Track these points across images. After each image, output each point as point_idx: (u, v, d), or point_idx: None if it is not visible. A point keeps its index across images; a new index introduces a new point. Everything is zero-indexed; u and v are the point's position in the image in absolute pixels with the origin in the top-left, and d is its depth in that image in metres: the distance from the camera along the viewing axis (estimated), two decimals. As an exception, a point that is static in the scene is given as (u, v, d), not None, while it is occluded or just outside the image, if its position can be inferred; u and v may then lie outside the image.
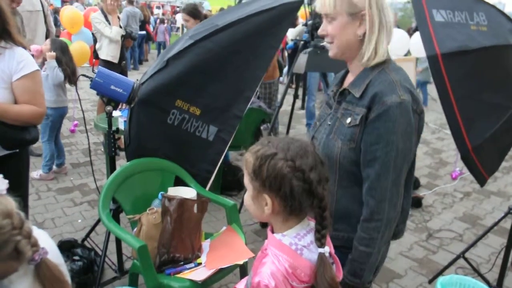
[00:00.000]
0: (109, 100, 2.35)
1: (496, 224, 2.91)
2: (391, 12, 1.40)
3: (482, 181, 2.80)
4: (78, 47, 5.54)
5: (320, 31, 1.47)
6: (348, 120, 1.40)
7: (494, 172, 2.91)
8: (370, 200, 1.37)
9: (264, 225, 3.77)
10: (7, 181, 1.22)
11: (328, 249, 1.13)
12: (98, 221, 2.91)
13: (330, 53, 1.48)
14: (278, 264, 1.12)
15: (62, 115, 4.23)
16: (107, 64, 4.82)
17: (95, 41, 5.18)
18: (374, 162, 1.34)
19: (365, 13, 1.35)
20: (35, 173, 4.24)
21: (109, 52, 5.01)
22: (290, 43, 3.98)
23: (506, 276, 2.92)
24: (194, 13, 4.23)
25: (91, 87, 2.29)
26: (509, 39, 2.44)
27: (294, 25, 6.68)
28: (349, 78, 1.50)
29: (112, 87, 2.30)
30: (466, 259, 2.97)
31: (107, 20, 5.00)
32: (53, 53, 3.95)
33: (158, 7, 20.77)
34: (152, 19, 13.48)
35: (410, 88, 1.38)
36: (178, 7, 19.07)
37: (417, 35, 5.28)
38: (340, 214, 1.44)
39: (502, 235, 3.58)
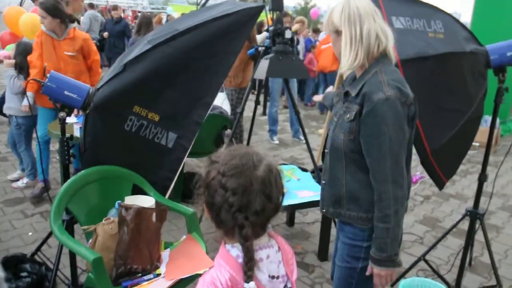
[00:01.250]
0: (62, 106, 2.24)
1: (454, 226, 2.97)
2: (366, 25, 1.61)
3: (440, 184, 2.86)
4: None
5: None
6: (347, 115, 1.65)
7: (452, 175, 2.98)
8: (374, 183, 1.61)
9: None
10: None
11: (253, 285, 1.03)
12: (51, 233, 2.77)
13: (341, 70, 1.74)
14: (219, 274, 1.06)
15: (33, 123, 3.93)
16: None
17: None
18: (372, 151, 1.59)
19: (341, 29, 1.64)
20: (19, 182, 4.10)
21: None
22: (251, 49, 3.94)
23: (464, 276, 2.99)
24: (52, 10, 3.57)
25: (42, 92, 2.18)
26: (465, 46, 2.51)
27: (260, 31, 6.69)
28: None
29: (66, 92, 2.19)
30: (426, 262, 3.02)
31: None
32: (12, 61, 3.73)
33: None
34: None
35: (398, 85, 1.58)
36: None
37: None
38: (349, 196, 1.71)
39: (460, 236, 3.67)
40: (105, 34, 8.98)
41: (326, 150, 1.80)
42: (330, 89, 2.46)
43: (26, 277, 2.43)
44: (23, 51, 3.81)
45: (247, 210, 1.04)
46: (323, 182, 1.84)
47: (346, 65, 1.65)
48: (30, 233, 3.33)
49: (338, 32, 1.66)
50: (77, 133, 2.95)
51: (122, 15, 18.37)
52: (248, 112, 4.17)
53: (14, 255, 2.59)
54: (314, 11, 13.42)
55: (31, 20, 4.76)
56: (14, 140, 4.14)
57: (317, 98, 2.44)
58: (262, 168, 1.06)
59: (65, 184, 2.21)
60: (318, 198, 3.04)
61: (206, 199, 1.09)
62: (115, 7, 10.04)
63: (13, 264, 2.49)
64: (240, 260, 1.06)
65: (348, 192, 1.70)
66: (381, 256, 1.61)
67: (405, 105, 1.57)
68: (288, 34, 3.09)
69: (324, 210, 1.86)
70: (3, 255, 2.57)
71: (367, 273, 1.70)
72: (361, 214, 1.69)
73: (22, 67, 3.77)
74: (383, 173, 1.57)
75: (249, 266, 1.04)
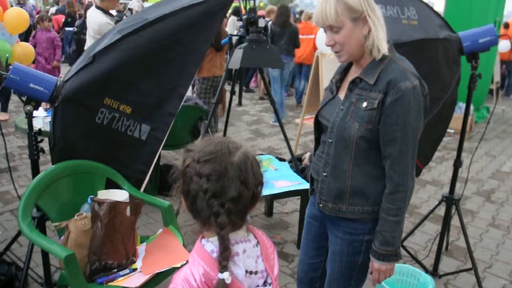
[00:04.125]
0: (28, 99, 2.15)
1: (431, 212, 3.01)
2: (378, 8, 1.55)
3: (417, 171, 2.88)
4: (20, 50, 5.23)
5: (327, 43, 1.59)
6: (364, 104, 1.55)
7: (428, 162, 3.01)
8: (393, 174, 1.54)
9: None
10: None
11: (227, 275, 1.00)
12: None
13: (340, 60, 1.63)
14: (194, 269, 1.04)
15: None
16: None
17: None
18: (395, 142, 1.51)
19: (365, 14, 1.50)
20: None
21: None
22: (225, 39, 3.89)
23: (441, 260, 3.04)
24: None
25: (5, 85, 2.08)
26: (438, 33, 2.51)
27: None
28: (356, 70, 1.66)
29: (31, 85, 2.10)
30: (404, 248, 3.05)
31: None
32: None
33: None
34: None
35: (418, 74, 1.55)
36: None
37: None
38: (355, 190, 1.62)
39: (437, 222, 3.72)
40: None
41: (329, 140, 1.65)
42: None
43: (-5, 278, 2.35)
44: None
45: (222, 196, 1.01)
46: (324, 174, 1.68)
47: (371, 54, 1.55)
48: None
49: (356, 19, 1.51)
50: (47, 127, 2.85)
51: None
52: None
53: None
54: None
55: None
56: None
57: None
58: (238, 154, 1.04)
59: (34, 180, 2.13)
60: (296, 188, 3.08)
61: (182, 188, 1.06)
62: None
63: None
64: (215, 255, 1.04)
65: (353, 186, 1.61)
66: (387, 250, 1.57)
67: (423, 96, 1.55)
68: (261, 23, 3.05)
69: (321, 205, 1.72)
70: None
71: (369, 271, 1.67)
72: (367, 208, 1.62)
73: None
74: (405, 165, 1.53)
75: (223, 256, 1.01)
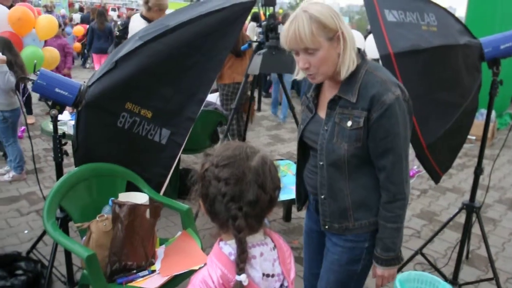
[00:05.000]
0: (53, 103, 2.23)
1: (451, 219, 2.97)
2: (349, 29, 1.51)
3: (436, 178, 2.85)
4: (49, 54, 5.39)
5: (301, 66, 1.53)
6: (349, 123, 1.52)
7: (448, 169, 2.97)
8: (390, 186, 1.54)
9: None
10: None
11: (244, 277, 1.03)
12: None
13: (315, 81, 1.59)
14: (211, 271, 1.06)
15: (19, 115, 4.08)
16: None
17: None
18: (387, 154, 1.50)
19: (340, 32, 1.45)
20: (5, 176, 4.18)
21: None
22: (245, 45, 3.92)
23: (461, 269, 2.99)
24: None
25: (33, 90, 2.17)
26: (458, 39, 2.49)
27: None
28: (331, 85, 1.61)
29: (57, 89, 2.18)
30: (423, 255, 3.02)
31: None
32: (4, 57, 3.72)
33: (113, 9, 20.34)
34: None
35: (396, 81, 1.53)
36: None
37: (371, 37, 5.36)
38: (357, 204, 1.60)
39: (457, 230, 3.66)
40: None
41: (320, 162, 1.61)
42: None
43: (22, 275, 2.42)
44: (5, 46, 3.84)
45: (240, 200, 1.03)
46: (322, 196, 1.65)
47: (347, 71, 1.50)
48: (26, 231, 3.33)
49: (332, 38, 1.46)
50: (70, 130, 2.94)
51: (117, 13, 18.31)
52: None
53: (8, 253, 2.57)
54: None
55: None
56: None
57: None
58: (255, 159, 1.06)
59: (58, 182, 2.20)
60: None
61: (200, 191, 1.09)
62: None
63: (8, 262, 2.49)
64: (232, 257, 1.05)
65: (354, 201, 1.60)
66: (389, 256, 1.58)
67: (405, 102, 1.52)
68: (281, 29, 3.07)
69: (326, 226, 1.68)
70: (-1, 253, 2.58)
71: (373, 276, 1.66)
72: (372, 218, 1.60)
73: (10, 63, 3.77)
74: (400, 175, 1.52)
75: (241, 259, 1.03)
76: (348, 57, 1.49)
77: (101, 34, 8.75)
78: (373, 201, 1.59)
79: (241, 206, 1.03)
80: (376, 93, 1.47)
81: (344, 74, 1.50)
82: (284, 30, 1.49)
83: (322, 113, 1.64)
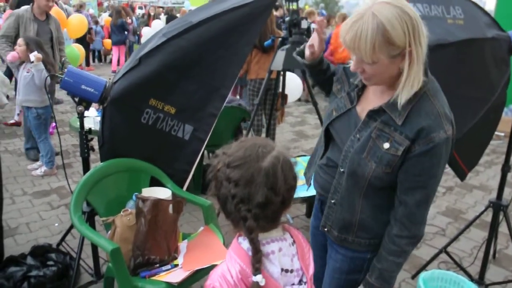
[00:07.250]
0: (80, 100, 2.28)
1: (477, 217, 2.91)
2: (425, 42, 1.29)
3: (462, 175, 2.80)
4: (69, 51, 5.56)
5: (353, 69, 1.37)
6: (386, 145, 1.36)
7: (474, 166, 2.91)
8: (408, 223, 1.40)
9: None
10: None
11: (260, 278, 1.02)
12: (73, 224, 2.85)
13: (368, 84, 1.42)
14: (230, 266, 1.07)
15: (50, 112, 4.21)
16: None
17: None
18: (416, 191, 1.37)
19: (407, 50, 1.26)
20: (38, 171, 4.35)
21: None
22: (268, 41, 3.92)
23: (488, 269, 2.93)
24: None
25: (61, 87, 2.23)
26: (486, 32, 2.43)
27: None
28: (381, 90, 1.43)
29: (83, 86, 2.24)
30: (448, 254, 2.97)
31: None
32: (40, 55, 3.85)
33: (140, 8, 20.62)
34: (133, 19, 13.35)
35: (450, 115, 1.36)
36: (161, 7, 18.89)
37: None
38: (363, 224, 1.50)
39: (483, 228, 3.59)
40: None
41: (341, 169, 1.49)
42: None
43: (53, 265, 2.50)
44: (37, 45, 3.95)
45: (249, 202, 1.03)
46: (333, 201, 1.54)
47: (410, 92, 1.30)
48: (56, 224, 3.43)
49: (396, 56, 1.27)
50: (97, 126, 3.00)
51: (143, 11, 18.58)
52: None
53: (41, 245, 2.67)
54: None
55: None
56: (30, 133, 4.42)
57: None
58: (267, 159, 1.05)
59: (84, 177, 2.26)
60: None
61: (213, 191, 1.10)
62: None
63: (41, 253, 2.58)
64: (251, 253, 1.06)
65: (362, 220, 1.49)
66: (383, 286, 1.48)
67: (452, 142, 1.36)
68: (304, 25, 3.06)
69: (326, 229, 1.60)
70: (32, 244, 2.67)
71: None
72: (373, 240, 1.51)
73: (43, 62, 3.89)
74: (422, 216, 1.40)
75: (256, 259, 1.03)
76: (413, 77, 1.29)
77: (115, 28, 10.43)
78: (380, 223, 1.48)
79: (250, 209, 1.03)
80: (426, 126, 1.30)
81: (406, 96, 1.31)
82: (346, 24, 1.29)
83: (361, 110, 1.48)
